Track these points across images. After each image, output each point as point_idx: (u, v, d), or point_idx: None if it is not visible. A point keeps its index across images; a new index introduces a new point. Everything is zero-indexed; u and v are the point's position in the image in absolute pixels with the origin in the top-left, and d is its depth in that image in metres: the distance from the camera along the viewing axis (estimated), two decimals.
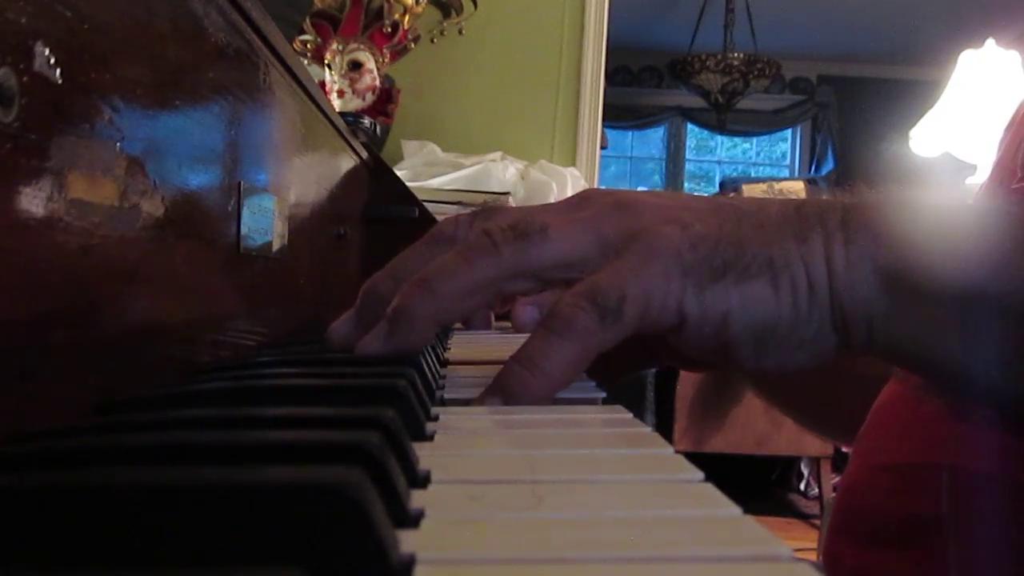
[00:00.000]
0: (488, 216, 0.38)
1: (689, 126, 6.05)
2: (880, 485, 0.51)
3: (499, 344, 0.62)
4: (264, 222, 0.52)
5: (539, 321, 0.35)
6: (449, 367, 0.46)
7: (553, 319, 0.34)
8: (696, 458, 0.24)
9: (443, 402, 0.36)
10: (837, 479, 2.59)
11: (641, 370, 0.47)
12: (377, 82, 1.62)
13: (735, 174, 6.04)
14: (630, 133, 6.11)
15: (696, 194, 0.39)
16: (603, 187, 0.41)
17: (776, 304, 0.34)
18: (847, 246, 0.34)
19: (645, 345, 0.43)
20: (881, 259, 0.34)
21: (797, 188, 2.79)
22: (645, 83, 5.81)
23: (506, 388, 0.34)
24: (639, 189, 0.51)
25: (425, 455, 0.24)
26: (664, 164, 6.13)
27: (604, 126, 2.22)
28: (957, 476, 0.46)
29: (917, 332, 0.34)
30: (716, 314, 0.34)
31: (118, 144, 0.32)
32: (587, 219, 0.36)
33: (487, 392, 0.34)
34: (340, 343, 0.40)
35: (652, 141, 6.20)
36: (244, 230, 0.48)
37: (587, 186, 2.00)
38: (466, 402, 0.35)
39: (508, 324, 0.86)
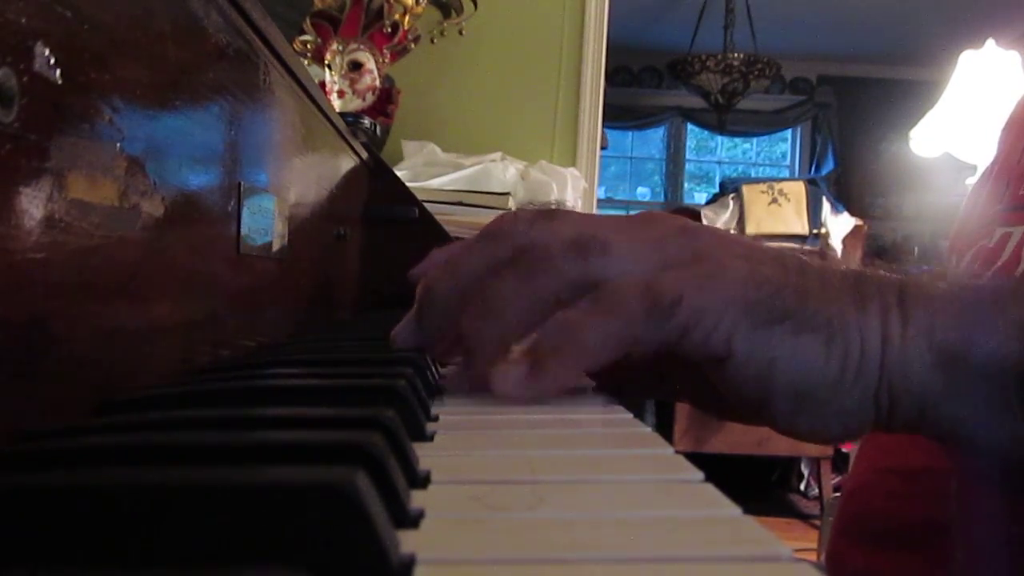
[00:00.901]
0: (549, 219, 0.37)
1: (689, 126, 6.05)
2: (886, 488, 0.51)
3: None
4: (264, 222, 0.52)
5: (585, 297, 0.34)
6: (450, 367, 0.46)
7: (603, 294, 0.33)
8: (696, 458, 0.24)
9: (443, 402, 0.36)
10: (837, 479, 2.59)
11: (650, 396, 0.47)
12: (377, 82, 1.62)
13: (735, 174, 6.03)
14: (630, 133, 6.11)
15: (754, 241, 0.39)
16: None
17: (825, 365, 0.33)
18: (904, 321, 0.33)
19: (673, 370, 0.42)
20: (938, 336, 0.33)
21: (797, 188, 2.80)
22: (645, 83, 5.81)
23: (540, 350, 0.34)
24: (683, 217, 0.47)
25: (425, 455, 0.24)
26: (664, 164, 6.13)
27: (604, 126, 2.22)
28: (963, 481, 0.45)
29: (973, 413, 0.33)
30: (764, 358, 0.33)
31: (118, 144, 0.32)
32: (652, 238, 0.35)
33: (514, 362, 0.34)
34: (407, 348, 0.41)
35: (652, 141, 6.20)
36: (244, 230, 0.48)
37: (587, 186, 2.00)
38: (468, 402, 0.35)
39: None
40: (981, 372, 0.32)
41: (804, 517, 2.73)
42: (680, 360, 0.34)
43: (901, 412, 0.34)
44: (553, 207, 0.47)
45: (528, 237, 0.37)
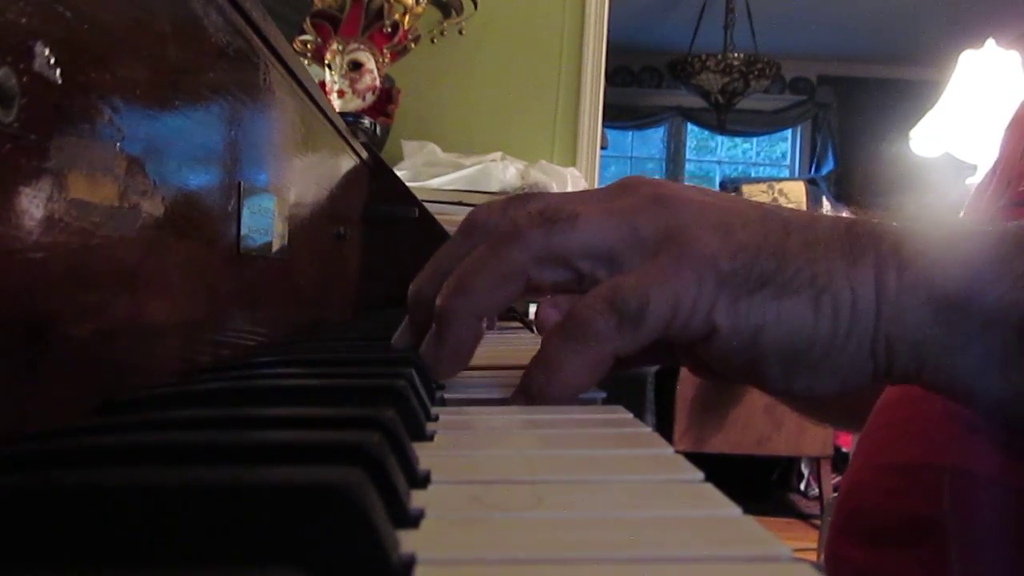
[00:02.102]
0: (522, 203, 0.37)
1: (689, 126, 6.06)
2: (882, 485, 0.51)
3: (498, 346, 0.62)
4: (264, 222, 0.52)
5: (558, 323, 0.34)
6: None
7: (569, 322, 0.33)
8: (696, 458, 0.24)
9: (443, 402, 0.36)
10: (837, 479, 2.59)
11: (654, 364, 0.47)
12: (377, 82, 1.62)
13: (735, 174, 6.04)
14: (630, 133, 6.11)
15: (745, 198, 0.37)
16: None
17: (814, 324, 0.32)
18: (900, 272, 0.32)
19: (668, 346, 0.42)
20: (938, 287, 0.32)
21: (797, 188, 2.80)
22: (645, 83, 5.81)
23: (528, 391, 0.34)
24: (685, 183, 0.50)
25: (425, 455, 0.24)
26: (664, 164, 6.13)
27: (604, 126, 2.22)
28: (959, 477, 0.46)
29: (974, 365, 0.32)
30: (748, 328, 0.32)
31: (118, 144, 0.32)
32: (622, 210, 0.34)
33: (515, 393, 0.35)
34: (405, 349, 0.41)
35: (652, 141, 6.21)
36: (244, 230, 0.48)
37: (587, 186, 2.00)
38: (468, 402, 0.35)
39: (514, 324, 0.86)
40: (982, 323, 0.32)
41: (804, 517, 2.73)
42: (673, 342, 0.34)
43: (900, 364, 0.33)
44: (528, 191, 0.48)
45: (501, 221, 0.37)
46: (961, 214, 0.62)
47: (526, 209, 0.36)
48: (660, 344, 0.35)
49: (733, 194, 0.37)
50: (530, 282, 0.35)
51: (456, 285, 0.36)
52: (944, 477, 0.47)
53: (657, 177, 0.39)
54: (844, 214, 2.85)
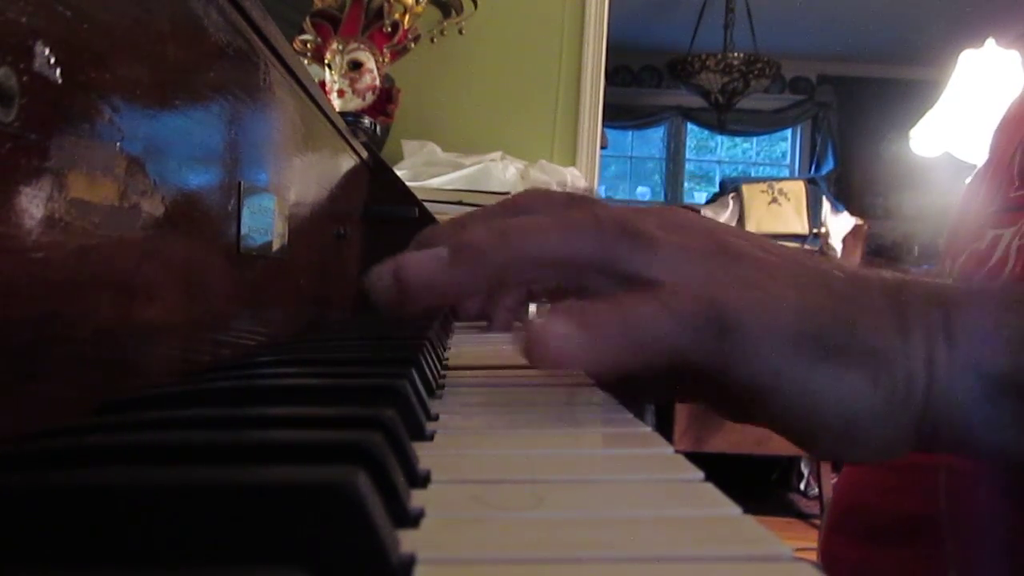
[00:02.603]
0: (592, 202, 0.34)
1: (689, 126, 6.06)
2: (877, 483, 0.51)
3: (497, 349, 0.62)
4: (264, 222, 0.52)
5: (620, 289, 0.31)
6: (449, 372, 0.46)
7: (661, 289, 0.30)
8: (696, 458, 0.24)
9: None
10: (837, 479, 2.59)
11: (654, 401, 0.44)
12: (377, 82, 1.62)
13: (735, 174, 6.04)
14: (630, 133, 6.11)
15: (791, 248, 0.35)
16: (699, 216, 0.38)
17: (871, 398, 0.31)
18: (950, 349, 0.31)
19: (696, 380, 0.37)
20: (987, 365, 0.31)
21: (797, 188, 2.80)
22: (645, 83, 5.81)
23: (580, 313, 0.30)
24: (723, 224, 0.36)
25: (425, 455, 0.24)
26: (664, 164, 6.13)
27: (604, 126, 2.22)
28: (953, 475, 0.46)
29: (1018, 436, 0.32)
30: (811, 395, 0.31)
31: (118, 144, 0.32)
32: (697, 251, 0.32)
33: (571, 323, 0.30)
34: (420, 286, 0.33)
35: (652, 141, 6.20)
36: (244, 230, 0.48)
37: (587, 185, 2.00)
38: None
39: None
40: None
41: (804, 517, 2.73)
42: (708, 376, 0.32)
43: (944, 439, 0.32)
44: (585, 196, 0.41)
45: (571, 208, 0.34)
46: (953, 218, 0.62)
47: (606, 210, 0.33)
48: (693, 374, 0.32)
49: (770, 241, 0.35)
50: (563, 280, 0.33)
51: (500, 233, 0.32)
52: (939, 475, 0.47)
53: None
54: (844, 214, 2.83)
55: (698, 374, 0.31)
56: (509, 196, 0.35)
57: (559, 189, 0.38)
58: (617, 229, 0.32)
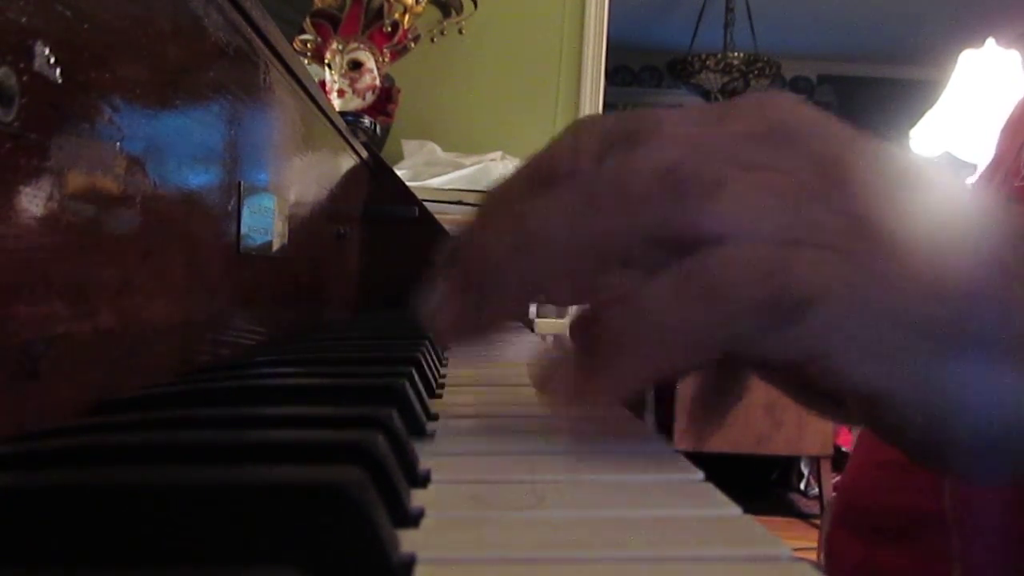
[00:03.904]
0: (632, 142, 0.25)
1: None
2: (882, 481, 0.51)
3: (499, 351, 0.62)
4: (264, 222, 0.52)
5: (669, 269, 0.23)
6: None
7: (700, 269, 0.23)
8: (696, 457, 0.24)
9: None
10: (837, 478, 2.59)
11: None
12: (377, 82, 1.62)
13: None
14: None
15: (935, 179, 0.25)
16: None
17: None
18: None
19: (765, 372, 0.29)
20: None
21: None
22: (645, 83, 5.81)
23: (591, 345, 0.24)
24: (846, 128, 0.26)
25: (425, 454, 0.24)
26: None
27: None
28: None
29: None
30: (941, 398, 0.23)
31: (118, 144, 0.32)
32: (784, 186, 0.23)
33: (557, 360, 0.25)
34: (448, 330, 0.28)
35: None
36: (244, 230, 0.48)
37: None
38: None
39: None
40: None
41: (804, 516, 2.73)
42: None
43: None
44: (638, 116, 0.25)
45: (606, 169, 0.25)
46: None
47: (643, 159, 0.24)
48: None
49: (926, 166, 0.25)
50: (614, 266, 0.25)
51: (516, 237, 0.25)
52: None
53: (785, 95, 0.26)
54: None
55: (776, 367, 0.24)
56: (535, 155, 0.28)
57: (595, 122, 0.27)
58: (658, 185, 0.23)
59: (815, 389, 0.25)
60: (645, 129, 0.25)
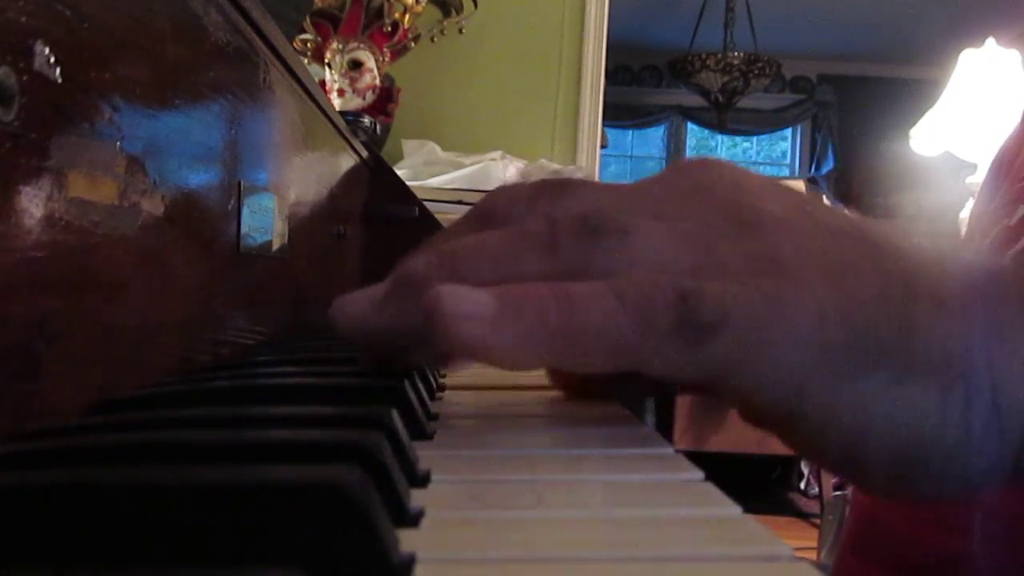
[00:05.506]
0: (556, 195, 0.28)
1: (689, 125, 6.06)
2: (907, 513, 0.49)
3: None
4: (264, 221, 0.52)
5: (599, 281, 0.25)
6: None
7: (621, 279, 0.24)
8: (696, 457, 0.24)
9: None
10: (837, 478, 2.59)
11: (650, 394, 0.34)
12: (377, 81, 1.62)
13: None
14: (630, 132, 6.11)
15: (843, 213, 0.27)
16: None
17: (942, 421, 0.24)
18: None
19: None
20: None
21: (797, 187, 2.80)
22: (645, 82, 5.81)
23: (510, 297, 0.24)
24: (761, 179, 0.28)
25: (425, 454, 0.24)
26: (664, 163, 6.13)
27: (604, 125, 2.22)
28: (992, 517, 0.44)
29: None
30: (852, 420, 0.24)
31: (118, 143, 0.32)
32: (692, 232, 0.25)
33: (489, 295, 0.24)
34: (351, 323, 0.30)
35: (652, 140, 6.20)
36: (244, 229, 0.48)
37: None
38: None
39: None
40: None
41: (804, 516, 2.73)
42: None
43: None
44: (564, 176, 0.35)
45: (529, 215, 0.28)
46: (964, 215, 0.62)
47: (564, 209, 0.27)
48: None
49: (824, 204, 0.27)
50: None
51: (443, 259, 0.27)
52: (975, 515, 0.44)
53: (711, 159, 0.29)
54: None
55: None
56: (476, 203, 0.31)
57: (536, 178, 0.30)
58: (575, 229, 0.26)
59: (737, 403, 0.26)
60: (572, 185, 0.29)
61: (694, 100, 5.38)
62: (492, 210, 0.30)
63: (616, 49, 2.79)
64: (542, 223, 0.27)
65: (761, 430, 0.29)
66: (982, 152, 2.17)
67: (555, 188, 0.29)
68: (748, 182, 0.27)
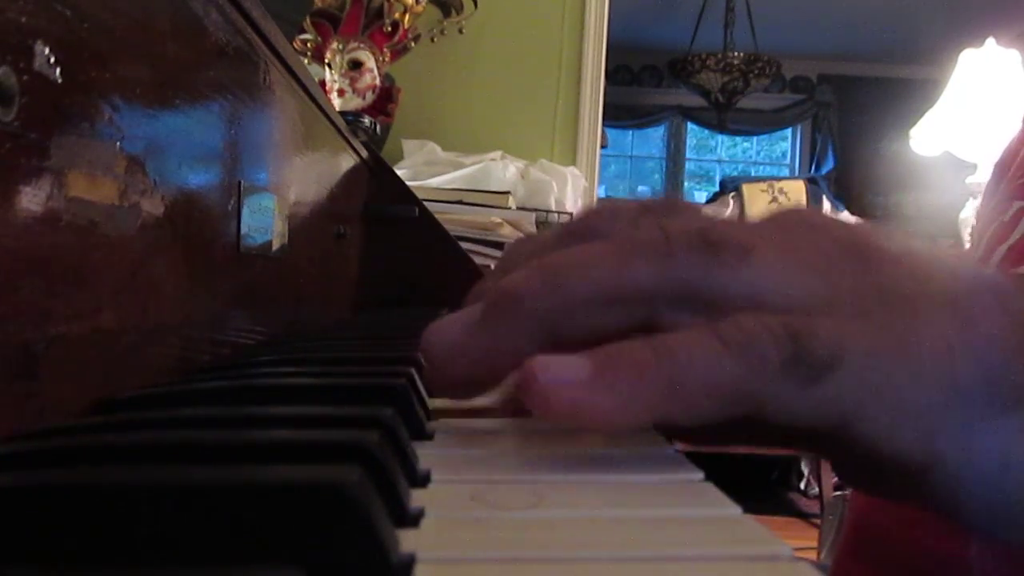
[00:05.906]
0: (666, 212, 0.27)
1: (689, 125, 6.06)
2: (905, 516, 0.49)
3: None
4: (264, 221, 0.52)
5: (697, 322, 0.23)
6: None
7: (726, 324, 0.23)
8: (696, 457, 0.24)
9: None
10: (837, 478, 2.59)
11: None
12: (377, 81, 1.62)
13: (735, 173, 6.04)
14: (630, 132, 6.12)
15: (953, 253, 0.26)
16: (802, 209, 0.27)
17: None
18: None
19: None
20: None
21: (797, 187, 2.80)
22: (645, 82, 5.82)
23: (606, 359, 0.23)
24: (866, 223, 0.32)
25: (425, 454, 0.24)
26: (664, 163, 6.13)
27: (604, 125, 2.22)
28: None
29: None
30: (992, 464, 0.22)
31: (118, 143, 0.32)
32: (812, 261, 0.24)
33: (583, 358, 0.23)
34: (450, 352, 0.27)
35: (652, 140, 6.20)
36: (244, 229, 0.48)
37: (587, 185, 1.99)
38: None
39: None
40: None
41: (804, 516, 2.73)
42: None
43: None
44: (665, 202, 0.29)
45: (639, 227, 0.26)
46: (964, 215, 0.62)
47: (679, 223, 0.25)
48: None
49: (934, 247, 0.26)
50: (643, 321, 0.25)
51: (544, 273, 0.25)
52: None
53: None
54: (844, 213, 2.85)
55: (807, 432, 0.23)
56: (572, 217, 0.29)
57: (638, 200, 0.29)
58: (692, 242, 0.24)
59: (857, 461, 0.24)
60: (680, 205, 0.27)
61: (694, 100, 5.38)
62: (592, 226, 0.27)
63: (616, 49, 2.79)
64: (656, 232, 0.25)
65: (875, 494, 0.28)
66: (982, 152, 2.17)
67: (664, 205, 0.28)
68: (854, 224, 0.26)
